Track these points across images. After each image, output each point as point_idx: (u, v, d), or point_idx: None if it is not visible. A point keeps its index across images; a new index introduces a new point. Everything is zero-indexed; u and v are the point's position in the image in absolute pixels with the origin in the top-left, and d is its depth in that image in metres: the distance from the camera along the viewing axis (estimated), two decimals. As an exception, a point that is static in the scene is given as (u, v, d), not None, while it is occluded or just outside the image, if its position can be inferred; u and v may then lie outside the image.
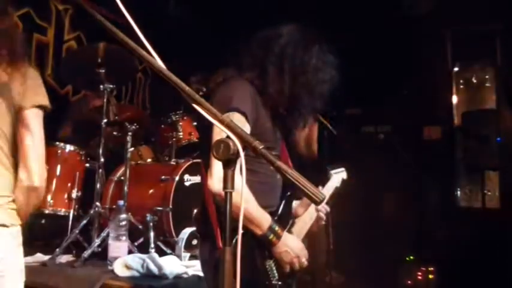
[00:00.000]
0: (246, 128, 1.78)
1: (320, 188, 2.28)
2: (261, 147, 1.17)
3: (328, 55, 2.00)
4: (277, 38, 1.97)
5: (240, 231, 1.20)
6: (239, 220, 1.18)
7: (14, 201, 1.71)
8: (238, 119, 1.75)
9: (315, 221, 2.19)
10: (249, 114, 1.80)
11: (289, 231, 1.99)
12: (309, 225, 2.15)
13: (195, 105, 1.23)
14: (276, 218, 1.91)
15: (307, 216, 2.15)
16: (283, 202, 2.01)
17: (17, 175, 1.71)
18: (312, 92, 1.93)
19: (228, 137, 1.16)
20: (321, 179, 2.41)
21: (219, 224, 1.80)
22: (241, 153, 1.14)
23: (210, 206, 1.83)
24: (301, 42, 1.97)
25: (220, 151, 1.15)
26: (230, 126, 1.18)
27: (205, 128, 1.88)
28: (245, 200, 1.70)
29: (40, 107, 1.74)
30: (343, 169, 2.54)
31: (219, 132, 1.65)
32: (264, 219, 1.79)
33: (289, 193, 2.14)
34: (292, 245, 1.86)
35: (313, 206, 2.16)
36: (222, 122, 1.19)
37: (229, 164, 1.16)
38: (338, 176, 2.46)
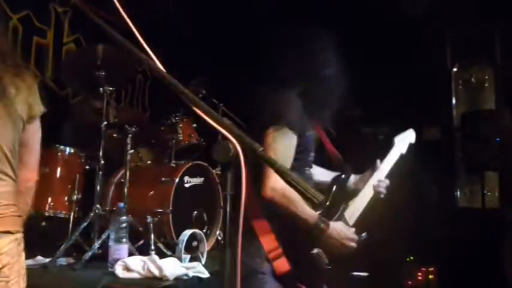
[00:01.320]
0: (294, 141, 1.94)
1: (378, 162, 2.28)
2: (260, 150, 1.17)
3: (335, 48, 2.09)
4: (291, 46, 2.07)
5: (240, 236, 1.20)
6: (239, 221, 1.18)
7: (17, 208, 1.73)
8: (288, 131, 1.91)
9: (375, 196, 2.23)
10: (298, 127, 1.93)
11: (341, 216, 2.08)
12: (365, 203, 2.19)
13: (195, 108, 1.24)
14: (327, 204, 2.05)
15: (363, 195, 2.19)
16: (335, 187, 2.12)
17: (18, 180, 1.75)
18: (331, 87, 2.01)
19: (228, 139, 1.17)
20: (382, 150, 2.35)
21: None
22: (241, 156, 1.15)
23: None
24: (310, 44, 2.07)
25: (220, 153, 1.16)
26: (230, 129, 1.19)
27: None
28: (294, 203, 1.87)
29: (40, 115, 1.81)
30: (410, 132, 2.48)
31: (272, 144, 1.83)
32: (310, 218, 1.92)
33: (342, 176, 2.23)
34: (337, 236, 1.96)
35: (370, 183, 2.21)
36: (222, 124, 1.19)
37: (229, 166, 1.17)
38: (403, 142, 2.41)
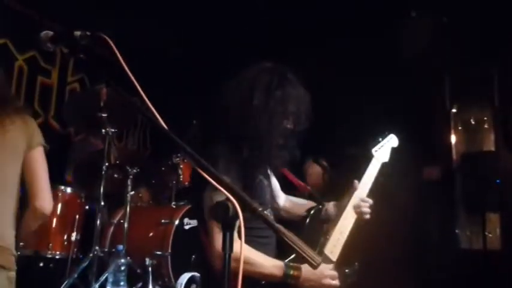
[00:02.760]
0: None
1: (356, 183, 2.09)
2: (259, 209, 1.19)
3: (292, 92, 1.92)
4: (241, 85, 1.94)
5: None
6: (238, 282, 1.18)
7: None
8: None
9: (358, 219, 2.05)
10: (239, 182, 1.77)
11: (321, 252, 1.92)
12: (347, 232, 2.01)
13: (195, 166, 1.26)
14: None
15: (343, 222, 2.00)
16: (307, 223, 1.96)
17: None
18: (271, 136, 1.86)
19: (227, 198, 1.18)
20: (361, 164, 2.18)
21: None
22: (240, 215, 1.16)
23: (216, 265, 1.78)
24: (259, 87, 1.91)
25: (219, 213, 1.17)
26: (230, 188, 1.20)
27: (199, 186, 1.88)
28: (251, 264, 1.73)
29: (42, 145, 2.01)
30: (391, 136, 2.30)
31: (211, 195, 1.67)
32: (276, 271, 1.79)
33: (313, 209, 2.06)
34: (314, 277, 1.82)
35: (350, 207, 2.03)
36: (221, 183, 1.21)
37: (228, 226, 1.18)
38: (383, 151, 2.24)
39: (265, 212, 1.86)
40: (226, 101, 1.93)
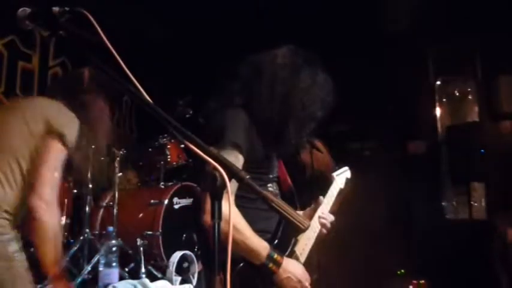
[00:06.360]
0: (240, 159, 1.75)
1: (321, 198, 2.18)
2: (247, 178, 1.20)
3: (320, 77, 1.96)
4: (267, 62, 1.95)
5: (229, 260, 1.21)
6: (228, 250, 1.19)
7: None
8: (231, 151, 1.73)
9: (319, 233, 2.11)
10: (243, 145, 1.76)
11: (292, 252, 1.94)
12: (313, 239, 2.06)
13: (182, 139, 1.26)
14: (276, 241, 1.87)
15: (310, 230, 2.04)
16: (283, 222, 1.93)
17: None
18: (299, 117, 1.89)
19: (214, 168, 1.19)
20: (324, 186, 2.31)
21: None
22: (228, 185, 1.17)
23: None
24: (290, 66, 1.93)
25: (208, 183, 1.18)
26: (217, 158, 1.21)
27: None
28: (239, 231, 1.69)
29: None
30: (346, 168, 2.46)
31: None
32: (261, 248, 1.74)
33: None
34: (293, 270, 1.81)
35: (316, 217, 2.10)
36: (209, 153, 1.21)
37: (216, 195, 1.19)
38: (341, 178, 2.38)
39: (269, 185, 1.96)
40: (261, 74, 1.93)
